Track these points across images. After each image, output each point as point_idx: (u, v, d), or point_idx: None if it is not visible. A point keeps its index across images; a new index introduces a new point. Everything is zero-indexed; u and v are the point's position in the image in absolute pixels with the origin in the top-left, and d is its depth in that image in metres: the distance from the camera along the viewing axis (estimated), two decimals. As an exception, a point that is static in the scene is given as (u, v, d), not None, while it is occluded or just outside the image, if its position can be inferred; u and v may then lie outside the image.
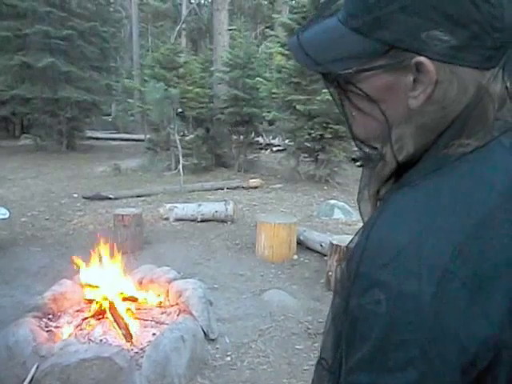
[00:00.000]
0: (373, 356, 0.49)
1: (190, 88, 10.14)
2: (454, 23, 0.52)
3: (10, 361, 2.68)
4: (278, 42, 10.08)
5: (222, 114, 10.25)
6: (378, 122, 0.59)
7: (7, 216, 5.06)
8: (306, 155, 9.29)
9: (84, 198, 7.43)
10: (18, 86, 12.36)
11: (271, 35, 12.42)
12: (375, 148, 0.63)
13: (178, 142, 8.95)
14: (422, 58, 0.53)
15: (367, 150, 0.65)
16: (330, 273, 4.19)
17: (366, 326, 0.50)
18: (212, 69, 12.10)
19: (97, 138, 15.80)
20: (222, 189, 8.29)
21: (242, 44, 10.61)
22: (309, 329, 3.45)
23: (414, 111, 0.56)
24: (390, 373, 0.48)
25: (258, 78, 9.69)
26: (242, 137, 10.57)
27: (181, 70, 10.70)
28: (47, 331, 2.96)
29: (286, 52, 8.96)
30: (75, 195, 7.64)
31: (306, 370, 2.94)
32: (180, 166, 8.59)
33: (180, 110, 9.76)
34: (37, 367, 2.61)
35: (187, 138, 10.40)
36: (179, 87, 9.79)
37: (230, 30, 13.27)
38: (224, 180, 9.11)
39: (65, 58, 12.42)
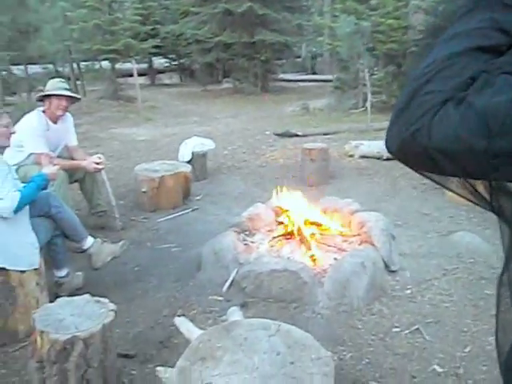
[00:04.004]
0: None
1: (383, 20, 9.55)
2: None
3: (216, 263, 3.22)
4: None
5: (417, 46, 9.42)
6: None
7: (213, 147, 5.83)
8: None
9: (275, 134, 7.97)
10: (221, 33, 13.53)
11: None
12: None
13: (367, 78, 8.68)
14: None
15: None
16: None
17: None
18: (408, -3, 11.08)
19: (287, 80, 16.39)
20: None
21: (445, -37, 9.37)
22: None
23: None
24: None
25: (462, 2, 8.53)
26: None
27: (373, 2, 10.11)
28: (244, 244, 3.42)
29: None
30: (267, 132, 8.24)
31: (494, 315, 2.75)
32: (368, 104, 8.37)
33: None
34: (237, 271, 3.08)
35: (375, 76, 9.98)
36: (371, 20, 9.33)
37: (432, -52, 11.76)
38: (414, 119, 8.56)
39: (261, 2, 12.97)
